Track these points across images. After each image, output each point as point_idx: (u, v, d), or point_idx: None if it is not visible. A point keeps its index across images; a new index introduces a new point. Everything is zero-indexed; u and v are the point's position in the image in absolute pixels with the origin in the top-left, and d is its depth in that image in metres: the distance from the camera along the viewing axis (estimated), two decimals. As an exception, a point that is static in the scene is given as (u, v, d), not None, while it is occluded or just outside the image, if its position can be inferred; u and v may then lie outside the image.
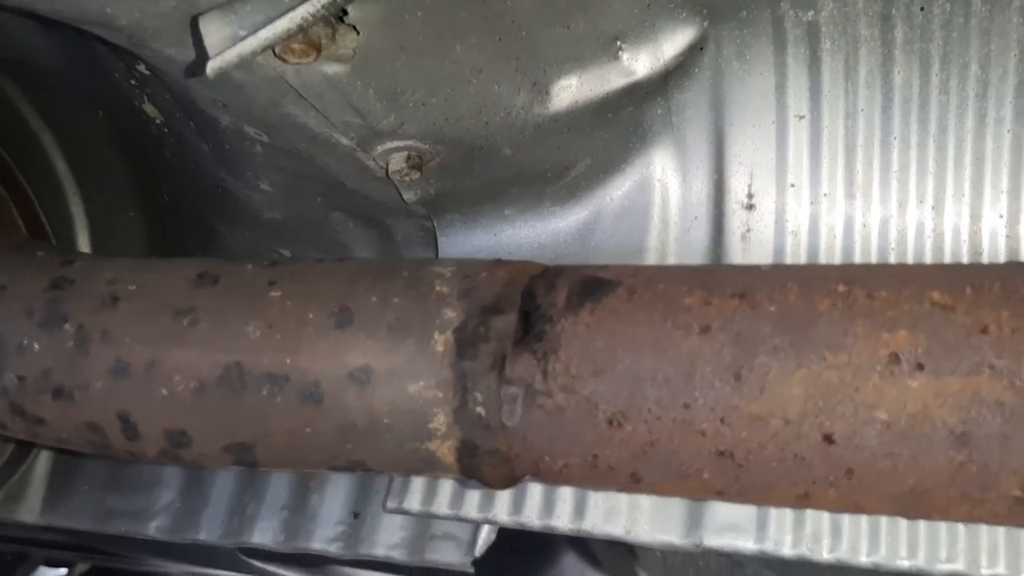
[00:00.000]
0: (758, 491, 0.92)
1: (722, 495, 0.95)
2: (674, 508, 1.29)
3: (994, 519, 0.88)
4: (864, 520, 1.23)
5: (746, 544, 1.26)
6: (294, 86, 1.10)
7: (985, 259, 1.24)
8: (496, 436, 0.97)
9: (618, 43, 1.23)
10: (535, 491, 1.34)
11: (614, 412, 0.93)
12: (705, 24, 1.24)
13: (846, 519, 1.24)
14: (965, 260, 1.25)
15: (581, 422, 0.94)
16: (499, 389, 0.96)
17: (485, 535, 1.49)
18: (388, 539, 1.55)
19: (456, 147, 1.26)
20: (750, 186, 1.31)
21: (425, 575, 1.58)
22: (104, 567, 2.86)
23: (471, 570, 1.51)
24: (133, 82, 1.41)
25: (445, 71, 1.15)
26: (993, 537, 1.21)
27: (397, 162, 1.26)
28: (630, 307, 0.95)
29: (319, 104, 1.14)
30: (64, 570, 2.92)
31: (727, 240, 1.32)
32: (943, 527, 1.21)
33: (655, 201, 1.35)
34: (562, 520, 1.33)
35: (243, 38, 0.96)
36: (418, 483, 1.39)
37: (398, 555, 1.54)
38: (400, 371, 1.00)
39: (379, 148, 1.23)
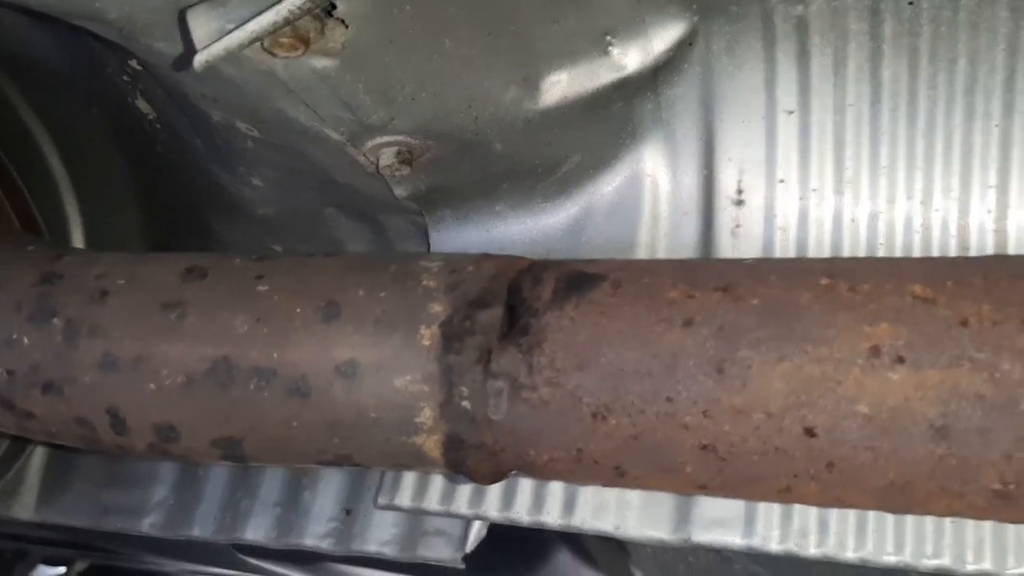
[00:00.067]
0: (741, 484, 0.92)
1: (705, 488, 0.95)
2: (663, 504, 1.29)
3: (974, 512, 0.88)
4: (851, 515, 1.23)
5: (734, 539, 1.26)
6: (283, 80, 1.10)
7: (973, 253, 1.24)
8: (482, 430, 0.97)
9: (608, 38, 1.23)
10: (525, 487, 1.35)
11: (598, 406, 0.93)
12: (695, 19, 1.24)
13: (833, 515, 1.24)
14: (954, 254, 1.25)
15: (566, 416, 0.94)
16: (484, 383, 0.96)
17: (476, 531, 1.50)
18: (380, 535, 1.56)
19: (446, 142, 1.26)
20: (740, 181, 1.31)
21: (418, 571, 1.59)
22: (102, 565, 2.86)
23: (462, 566, 1.51)
24: (126, 78, 1.41)
25: (435, 66, 1.15)
26: (979, 533, 1.21)
27: (387, 157, 1.26)
28: (614, 301, 0.95)
29: (308, 98, 1.14)
30: (63, 568, 2.93)
31: (717, 235, 1.32)
32: (929, 523, 1.22)
33: (645, 197, 1.35)
34: (552, 516, 1.33)
35: (230, 31, 0.96)
36: (409, 479, 1.39)
37: (390, 551, 1.54)
38: (387, 365, 1.00)
39: (369, 143, 1.23)
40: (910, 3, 1.17)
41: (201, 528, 1.66)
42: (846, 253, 1.28)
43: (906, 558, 1.22)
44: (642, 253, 1.35)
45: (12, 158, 1.67)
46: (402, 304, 1.02)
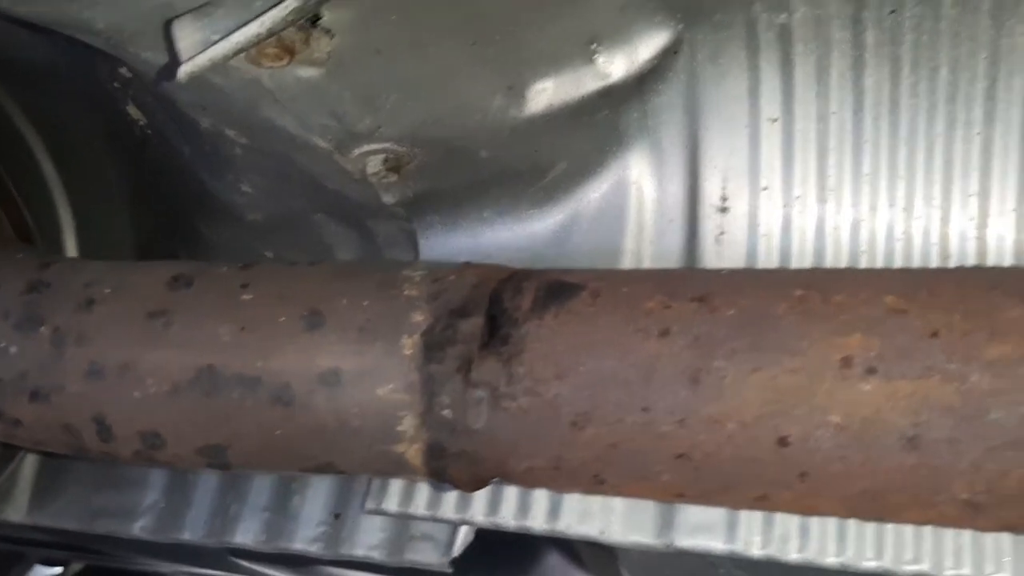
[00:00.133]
0: (717, 492, 0.93)
1: (682, 496, 0.96)
2: (647, 509, 1.30)
3: (945, 521, 0.89)
4: (832, 521, 1.24)
5: (716, 544, 1.27)
6: (269, 89, 1.11)
7: (954, 261, 1.25)
8: (462, 438, 0.98)
9: (593, 46, 1.24)
10: (511, 492, 1.35)
11: (576, 415, 0.94)
12: (679, 28, 1.24)
13: (814, 521, 1.25)
14: (935, 262, 1.25)
15: (545, 424, 0.95)
16: (465, 392, 0.97)
17: (463, 536, 1.50)
18: (368, 540, 1.57)
19: (433, 149, 1.27)
20: (724, 189, 1.32)
21: (406, 575, 1.60)
22: (97, 566, 2.87)
23: (449, 570, 1.52)
24: (116, 84, 1.42)
25: (420, 74, 1.16)
26: (959, 539, 1.22)
27: (374, 164, 1.27)
28: (593, 311, 0.96)
29: (295, 107, 1.15)
30: (59, 569, 2.94)
31: (702, 242, 1.32)
32: (909, 528, 1.22)
33: (631, 204, 1.36)
34: (537, 521, 1.34)
35: (215, 42, 0.97)
36: (396, 485, 1.40)
37: (378, 555, 1.55)
38: (369, 374, 1.00)
39: (356, 151, 1.24)
40: (891, 12, 1.18)
41: (191, 532, 1.66)
42: (829, 260, 1.28)
43: (886, 563, 1.22)
44: (628, 259, 1.36)
45: (4, 163, 1.67)
46: (385, 313, 1.02)
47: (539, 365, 0.95)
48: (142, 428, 1.08)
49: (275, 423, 1.03)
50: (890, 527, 1.23)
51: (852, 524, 1.24)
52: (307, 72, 1.08)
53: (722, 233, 1.32)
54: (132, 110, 1.46)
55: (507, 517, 1.36)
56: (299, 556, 1.63)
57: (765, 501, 0.92)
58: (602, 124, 1.33)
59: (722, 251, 1.31)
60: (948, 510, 0.86)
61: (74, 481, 1.76)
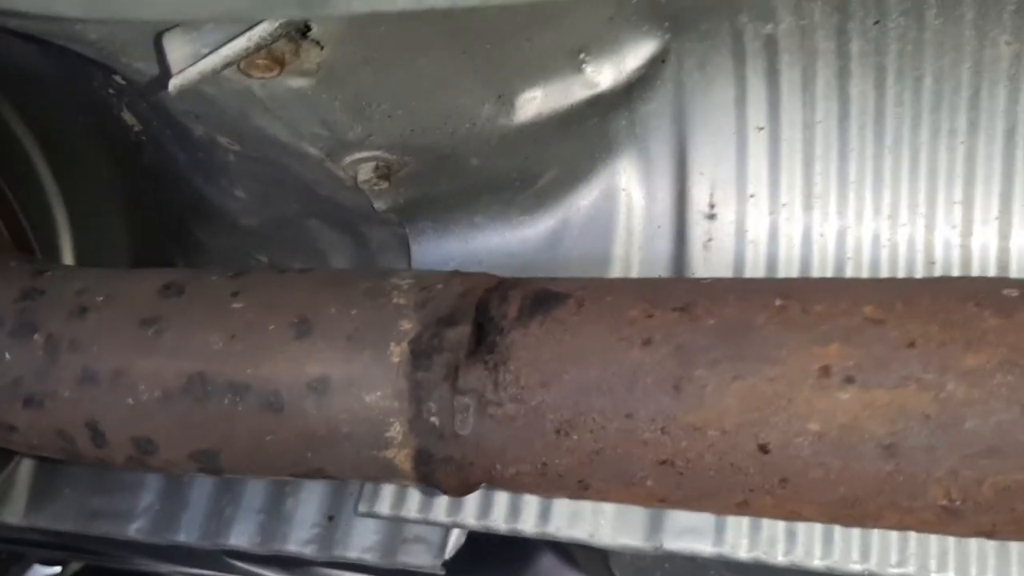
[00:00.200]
0: (699, 498, 0.94)
1: (666, 502, 0.97)
2: (636, 512, 1.31)
3: (923, 527, 0.90)
4: (818, 525, 1.25)
5: (704, 547, 1.28)
6: (261, 99, 1.12)
7: (939, 269, 1.26)
8: (450, 445, 1.00)
9: (582, 56, 1.25)
10: (501, 496, 1.37)
11: (561, 422, 0.95)
12: (667, 37, 1.25)
13: (801, 524, 1.26)
14: (920, 269, 1.27)
15: (530, 431, 0.96)
16: (452, 399, 0.98)
17: (455, 538, 1.52)
18: (361, 542, 1.58)
19: (423, 157, 1.28)
20: (711, 196, 1.33)
21: (398, 577, 1.61)
22: (96, 566, 2.88)
23: (442, 572, 1.53)
24: (111, 91, 1.43)
25: (410, 84, 1.17)
26: (943, 543, 1.23)
27: (365, 172, 1.28)
28: (577, 319, 0.97)
29: (286, 116, 1.16)
30: (58, 568, 2.94)
31: (689, 249, 1.34)
32: (894, 532, 1.24)
33: (620, 211, 1.37)
34: (528, 524, 1.35)
35: (205, 55, 0.98)
36: (389, 488, 1.42)
37: (371, 557, 1.56)
38: (357, 381, 1.02)
39: (347, 158, 1.25)
40: (876, 22, 1.19)
41: (187, 533, 1.68)
42: (815, 266, 1.30)
43: (871, 567, 1.24)
44: (617, 265, 1.37)
45: (0, 169, 1.68)
46: (373, 321, 1.04)
47: (525, 373, 0.97)
48: (135, 434, 1.09)
49: (266, 429, 1.04)
50: (876, 531, 1.24)
51: (838, 528, 1.25)
52: (298, 82, 1.09)
53: (710, 240, 1.33)
54: (127, 116, 1.48)
55: (498, 520, 1.37)
56: (293, 558, 1.64)
57: (746, 507, 0.94)
58: (591, 132, 1.34)
59: (710, 257, 1.33)
60: (925, 516, 0.88)
61: (70, 484, 1.78)
